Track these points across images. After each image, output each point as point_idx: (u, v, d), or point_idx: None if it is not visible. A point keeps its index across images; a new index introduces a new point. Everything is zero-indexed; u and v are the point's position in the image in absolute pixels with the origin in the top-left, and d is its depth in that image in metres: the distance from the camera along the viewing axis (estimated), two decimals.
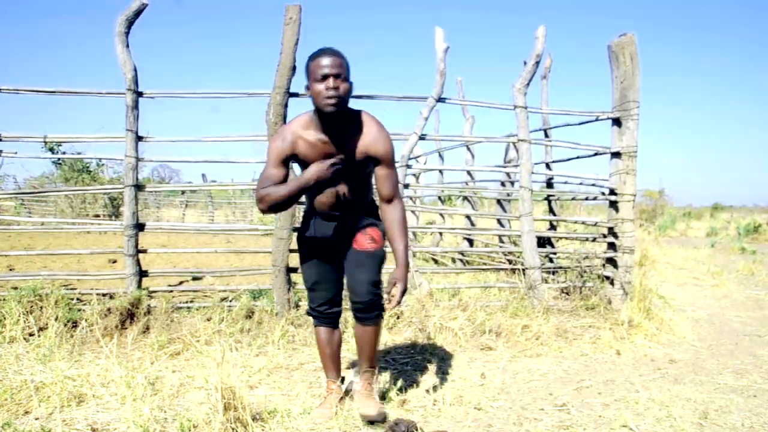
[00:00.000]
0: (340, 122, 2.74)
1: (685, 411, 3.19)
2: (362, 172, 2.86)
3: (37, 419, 2.83)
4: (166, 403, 3.08)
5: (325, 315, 3.08)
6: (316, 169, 2.69)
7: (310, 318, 3.18)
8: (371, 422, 2.83)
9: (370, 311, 2.89)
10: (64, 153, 13.07)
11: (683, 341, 4.81)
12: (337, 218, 2.93)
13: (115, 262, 7.40)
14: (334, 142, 2.75)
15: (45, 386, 3.14)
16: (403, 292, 2.79)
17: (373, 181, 2.94)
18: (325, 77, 2.63)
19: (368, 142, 2.76)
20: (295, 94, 4.64)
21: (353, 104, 2.83)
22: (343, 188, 2.85)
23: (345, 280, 3.02)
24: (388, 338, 4.39)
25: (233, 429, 2.56)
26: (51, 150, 12.59)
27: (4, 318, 4.15)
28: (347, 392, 3.19)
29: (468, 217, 8.16)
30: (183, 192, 23.55)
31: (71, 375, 3.30)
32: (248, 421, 2.59)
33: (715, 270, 9.04)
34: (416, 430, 2.70)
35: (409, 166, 5.29)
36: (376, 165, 2.82)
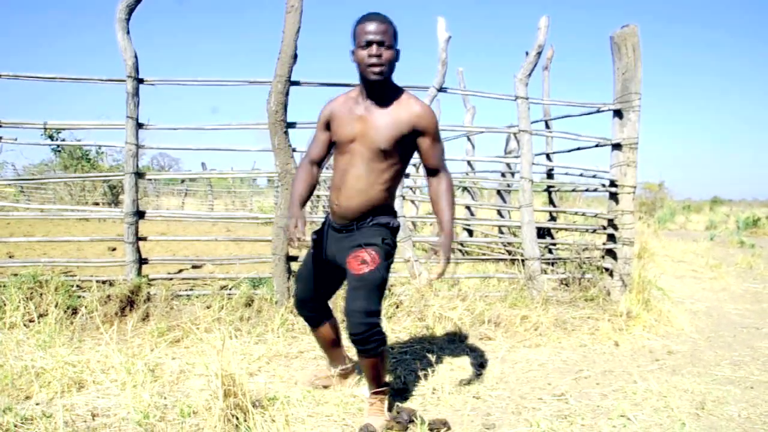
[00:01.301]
0: (382, 92, 2.67)
1: (683, 401, 3.21)
2: (390, 149, 2.66)
3: (37, 404, 2.84)
4: (166, 390, 3.10)
5: (300, 314, 3.13)
6: (289, 221, 2.71)
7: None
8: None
9: (365, 344, 2.63)
10: (63, 140, 13.04)
11: (681, 333, 4.82)
12: (338, 230, 2.81)
13: (114, 249, 7.41)
14: (371, 107, 2.68)
15: (45, 372, 3.15)
16: (447, 261, 2.71)
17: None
18: (369, 44, 2.56)
19: (411, 112, 2.66)
20: (296, 83, 4.63)
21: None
22: (355, 170, 2.70)
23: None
24: (387, 327, 4.40)
25: (233, 415, 2.57)
26: (50, 137, 12.56)
27: (5, 304, 4.15)
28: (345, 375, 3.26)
29: (468, 207, 8.16)
30: (182, 180, 23.55)
31: (71, 361, 3.31)
32: (248, 407, 2.60)
33: (713, 263, 9.06)
34: (417, 418, 2.72)
35: None
36: (418, 137, 2.70)
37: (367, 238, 2.70)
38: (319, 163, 2.93)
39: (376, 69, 2.57)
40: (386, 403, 2.81)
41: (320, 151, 2.89)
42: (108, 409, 2.82)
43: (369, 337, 2.61)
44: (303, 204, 2.85)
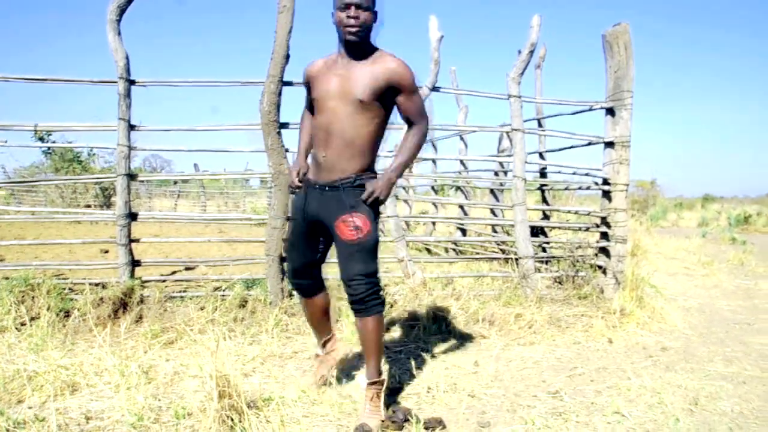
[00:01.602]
0: (360, 52, 2.75)
1: (676, 397, 3.23)
2: (367, 102, 2.72)
3: (30, 408, 2.82)
4: (160, 392, 3.08)
5: (295, 285, 3.14)
6: (292, 168, 2.97)
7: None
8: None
9: (367, 303, 2.75)
10: (54, 142, 12.98)
11: (674, 329, 4.84)
12: (321, 188, 2.82)
13: (107, 251, 7.37)
14: (349, 64, 2.76)
15: (38, 375, 3.13)
16: (373, 196, 2.74)
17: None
18: (347, 6, 2.65)
19: (387, 68, 2.72)
20: (289, 83, 4.62)
21: None
22: (339, 124, 2.74)
23: (338, 271, 2.88)
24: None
25: (228, 417, 2.56)
26: (41, 139, 12.49)
27: None
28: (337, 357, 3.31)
29: (461, 206, 8.17)
30: (175, 182, 23.47)
31: (64, 364, 3.29)
32: (243, 408, 2.59)
33: (705, 260, 9.10)
34: (412, 417, 2.72)
35: None
36: (396, 95, 2.77)
37: (354, 200, 2.76)
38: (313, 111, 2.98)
39: (353, 29, 2.66)
40: (383, 398, 2.79)
41: (310, 106, 2.99)
42: (102, 411, 2.81)
43: (370, 296, 2.75)
44: (308, 153, 2.99)
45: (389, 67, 2.72)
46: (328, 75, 2.79)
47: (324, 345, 3.27)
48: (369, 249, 2.76)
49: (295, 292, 3.19)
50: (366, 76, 2.71)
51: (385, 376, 2.85)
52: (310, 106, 2.97)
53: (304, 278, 3.09)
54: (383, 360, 2.89)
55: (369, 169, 2.83)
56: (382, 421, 2.69)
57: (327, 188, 2.80)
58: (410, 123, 2.87)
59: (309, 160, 2.99)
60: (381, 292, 2.82)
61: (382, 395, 2.80)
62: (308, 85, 2.93)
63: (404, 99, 2.79)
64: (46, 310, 4.13)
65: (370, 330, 2.79)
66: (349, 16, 2.65)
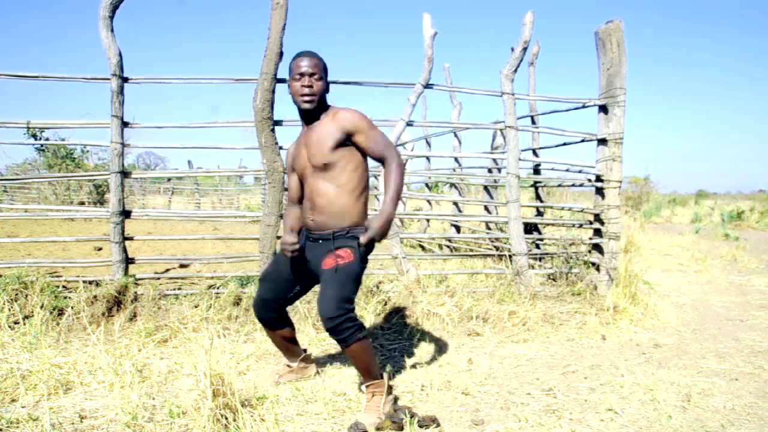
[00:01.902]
0: (315, 116, 2.92)
1: (669, 394, 3.25)
2: (334, 161, 2.83)
3: (24, 407, 2.82)
4: (154, 390, 3.08)
5: (259, 316, 3.18)
6: (287, 241, 2.99)
7: (297, 305, 3.24)
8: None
9: (340, 332, 2.64)
10: (47, 139, 12.90)
11: (668, 326, 4.87)
12: (320, 237, 2.91)
13: (100, 249, 7.35)
14: (309, 132, 2.92)
15: (31, 374, 3.13)
16: (374, 237, 2.78)
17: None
18: (301, 75, 2.85)
19: (337, 122, 2.85)
20: (283, 80, 4.61)
21: (343, 90, 2.89)
22: (317, 189, 2.88)
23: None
24: (375, 324, 4.40)
25: (223, 415, 2.56)
26: (34, 136, 12.42)
27: None
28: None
29: (455, 203, 8.18)
30: (169, 179, 23.37)
31: (58, 363, 3.29)
32: (237, 407, 2.59)
33: (699, 256, 9.16)
34: (406, 415, 2.72)
35: None
36: (352, 139, 2.85)
37: (343, 242, 2.85)
38: (301, 201, 3.11)
39: (307, 98, 2.86)
40: (384, 397, 2.79)
41: (296, 192, 3.13)
42: (96, 410, 2.81)
43: (342, 323, 2.64)
44: (294, 231, 3.09)
45: (339, 117, 2.87)
46: (299, 149, 2.98)
47: (296, 362, 3.38)
48: (347, 276, 2.76)
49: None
50: (322, 137, 2.85)
51: (385, 377, 2.84)
52: (295, 194, 3.13)
53: (270, 310, 3.14)
54: (376, 364, 2.86)
55: (360, 219, 2.92)
56: (380, 419, 2.69)
57: (320, 240, 2.92)
58: (382, 160, 2.89)
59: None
60: (355, 317, 2.71)
61: (383, 395, 2.80)
62: (292, 167, 3.08)
63: (364, 139, 2.86)
64: (39, 308, 4.12)
65: (356, 356, 2.74)
66: (303, 85, 2.84)
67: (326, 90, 2.94)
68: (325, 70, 2.93)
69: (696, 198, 32.60)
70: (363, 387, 2.84)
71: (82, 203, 16.55)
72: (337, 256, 2.79)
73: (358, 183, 2.90)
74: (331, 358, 3.74)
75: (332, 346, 3.97)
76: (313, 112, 2.91)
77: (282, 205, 4.70)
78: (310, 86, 2.84)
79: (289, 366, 3.36)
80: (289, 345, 3.31)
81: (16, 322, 4.04)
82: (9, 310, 4.10)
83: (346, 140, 2.85)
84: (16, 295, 4.23)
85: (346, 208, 2.87)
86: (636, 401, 3.13)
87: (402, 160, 2.94)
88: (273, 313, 3.15)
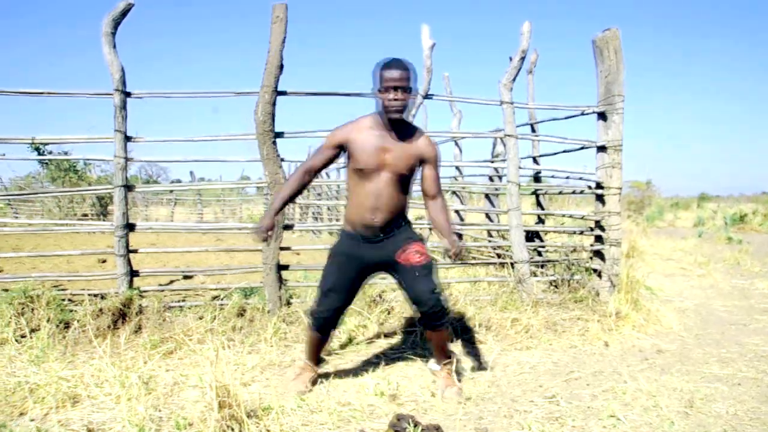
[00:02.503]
0: (400, 126, 3.12)
1: (672, 400, 3.26)
2: (408, 174, 3.15)
3: (32, 420, 2.85)
4: (160, 402, 3.11)
5: (323, 322, 3.31)
6: (263, 224, 3.08)
7: (301, 315, 3.32)
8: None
9: (441, 317, 3.19)
10: (50, 153, 12.98)
11: (670, 331, 4.88)
12: (378, 241, 3.18)
13: (104, 261, 7.39)
14: (392, 139, 3.11)
15: (39, 387, 3.16)
16: (458, 247, 3.10)
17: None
18: (392, 89, 2.99)
19: (421, 145, 3.16)
20: (283, 93, 4.66)
21: (345, 101, 3.01)
22: (387, 192, 3.10)
23: (406, 293, 3.27)
24: (379, 333, 4.42)
25: (229, 426, 2.59)
26: (37, 149, 12.50)
27: None
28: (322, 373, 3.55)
29: (457, 211, 8.20)
30: (171, 190, 23.45)
31: (65, 376, 3.32)
32: (243, 418, 2.62)
33: (702, 260, 9.16)
34: (415, 425, 2.73)
35: None
36: (423, 164, 3.20)
37: (408, 234, 3.23)
38: (315, 172, 3.25)
39: (398, 109, 3.02)
40: (454, 370, 3.39)
41: (322, 162, 3.22)
42: (103, 423, 2.84)
43: (442, 310, 3.18)
44: (280, 210, 3.21)
45: (424, 143, 3.17)
46: (375, 149, 3.09)
47: (318, 367, 3.58)
48: (433, 270, 3.22)
49: (312, 331, 3.40)
50: (409, 153, 3.12)
51: (453, 357, 3.44)
52: (318, 162, 3.21)
53: (335, 318, 3.35)
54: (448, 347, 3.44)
55: (407, 218, 3.32)
56: (460, 388, 3.27)
57: (382, 239, 3.18)
58: (434, 195, 3.26)
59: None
60: (447, 305, 3.25)
61: (453, 369, 3.39)
62: (340, 146, 3.16)
63: (432, 172, 3.23)
64: (45, 322, 4.16)
65: (444, 338, 3.35)
66: (395, 99, 2.99)
67: (413, 97, 3.13)
68: (413, 78, 3.08)
69: (698, 201, 32.53)
70: (439, 365, 3.41)
71: (85, 215, 16.63)
72: (418, 251, 3.16)
73: (408, 194, 3.27)
74: (335, 369, 3.77)
75: (334, 356, 4.00)
76: (400, 121, 3.10)
77: (284, 216, 4.74)
78: (402, 99, 3.01)
79: (313, 369, 3.48)
80: (321, 350, 3.54)
81: (23, 336, 4.08)
82: (16, 323, 4.14)
83: (420, 163, 3.19)
84: (23, 308, 4.27)
85: (403, 212, 3.25)
86: (639, 407, 3.15)
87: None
88: (337, 320, 3.38)
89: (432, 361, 3.56)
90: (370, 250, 3.19)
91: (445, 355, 3.38)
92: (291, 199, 3.24)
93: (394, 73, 2.98)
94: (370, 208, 3.12)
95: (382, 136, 3.10)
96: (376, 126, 3.12)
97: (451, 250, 3.11)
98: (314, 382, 3.46)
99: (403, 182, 3.15)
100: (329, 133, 3.20)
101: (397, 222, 3.20)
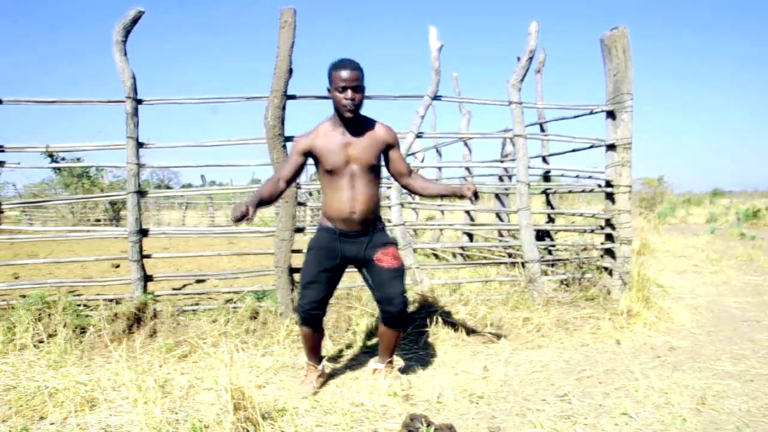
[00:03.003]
0: (356, 122, 3.23)
1: (684, 397, 3.27)
2: (376, 163, 3.27)
3: (52, 424, 2.90)
4: (176, 405, 3.15)
5: (309, 315, 3.36)
6: (242, 204, 2.94)
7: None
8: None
9: (404, 318, 3.39)
10: (63, 159, 13.12)
11: (682, 329, 4.88)
12: (354, 236, 3.28)
13: (118, 266, 7.47)
14: (351, 135, 3.23)
15: (58, 392, 3.21)
16: (470, 186, 3.26)
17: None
18: (344, 89, 3.10)
19: (380, 133, 3.30)
20: (293, 97, 4.70)
21: None
22: (359, 184, 3.22)
23: (373, 293, 3.43)
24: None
25: (244, 428, 2.63)
26: (50, 156, 12.63)
27: (14, 326, 4.22)
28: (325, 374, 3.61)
29: (467, 212, 8.22)
30: (183, 195, 23.58)
31: (83, 380, 3.37)
32: (258, 420, 2.66)
33: (714, 257, 9.12)
34: (429, 424, 2.76)
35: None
36: (388, 150, 3.35)
37: (386, 238, 3.38)
38: (288, 181, 3.29)
39: (351, 108, 3.14)
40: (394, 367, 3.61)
41: (290, 171, 3.28)
42: (121, 426, 2.88)
43: (403, 313, 3.35)
44: (260, 205, 3.11)
45: (383, 131, 3.31)
46: (338, 147, 3.20)
47: (321, 364, 3.59)
48: (404, 275, 3.40)
49: (303, 326, 3.45)
50: (371, 144, 3.25)
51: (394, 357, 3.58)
52: (288, 172, 3.27)
53: (320, 310, 3.40)
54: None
55: (380, 216, 3.43)
56: (397, 377, 3.49)
57: (360, 235, 3.30)
58: (407, 173, 3.44)
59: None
60: (407, 310, 3.40)
61: (394, 366, 3.61)
62: (306, 153, 3.27)
63: (397, 155, 3.41)
64: (62, 327, 4.22)
65: (397, 339, 3.53)
66: (346, 98, 3.11)
67: (364, 97, 3.21)
68: (363, 78, 3.17)
69: (711, 197, 32.32)
70: (383, 363, 3.54)
71: (98, 221, 16.78)
72: (393, 255, 3.32)
73: (379, 185, 3.42)
74: (348, 369, 3.80)
75: (346, 357, 4.04)
76: (355, 119, 3.20)
77: (296, 220, 4.78)
78: (353, 99, 3.11)
79: (316, 368, 3.52)
80: (319, 346, 3.55)
81: (40, 341, 4.14)
82: (33, 329, 4.21)
83: (384, 150, 3.33)
84: (40, 314, 4.34)
85: (376, 204, 3.34)
86: (650, 405, 3.16)
87: None
88: (320, 311, 3.41)
89: (375, 360, 3.66)
90: (346, 245, 3.30)
91: (390, 354, 3.55)
92: (266, 201, 3.17)
93: (345, 74, 3.09)
94: (346, 201, 3.22)
95: (343, 133, 3.22)
96: (335, 126, 3.25)
97: (468, 192, 3.22)
98: (323, 381, 3.52)
99: (373, 172, 3.27)
100: (293, 142, 3.34)
101: (373, 220, 3.32)
